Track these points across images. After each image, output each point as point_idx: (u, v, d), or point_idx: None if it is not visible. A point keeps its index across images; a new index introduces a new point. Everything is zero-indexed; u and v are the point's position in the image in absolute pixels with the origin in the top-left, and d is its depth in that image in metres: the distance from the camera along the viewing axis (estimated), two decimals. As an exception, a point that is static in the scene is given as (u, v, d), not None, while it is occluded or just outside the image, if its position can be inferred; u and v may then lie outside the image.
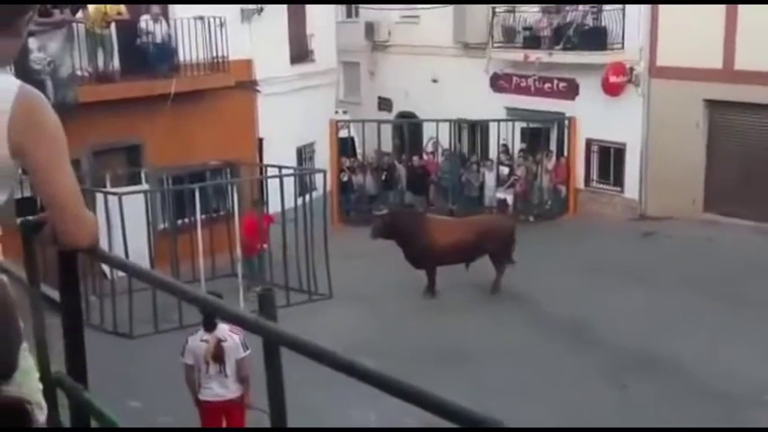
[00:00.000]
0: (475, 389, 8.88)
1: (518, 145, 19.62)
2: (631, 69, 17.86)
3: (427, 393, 1.29)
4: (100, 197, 12.56)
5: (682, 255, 15.04)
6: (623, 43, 17.90)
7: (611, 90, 18.00)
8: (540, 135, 19.59)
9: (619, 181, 18.70)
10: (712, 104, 16.99)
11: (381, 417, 8.54)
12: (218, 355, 7.18)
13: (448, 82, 20.87)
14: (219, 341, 7.19)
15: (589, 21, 18.52)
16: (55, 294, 2.63)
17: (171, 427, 7.69)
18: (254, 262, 13.90)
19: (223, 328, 7.23)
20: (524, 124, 19.63)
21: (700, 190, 17.36)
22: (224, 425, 7.42)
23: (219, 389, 7.26)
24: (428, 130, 20.31)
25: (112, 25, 14.76)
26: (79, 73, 14.07)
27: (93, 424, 2.53)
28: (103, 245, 11.45)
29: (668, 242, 16.13)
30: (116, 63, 14.89)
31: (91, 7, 14.59)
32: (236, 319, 1.69)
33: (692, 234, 16.11)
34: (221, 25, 15.72)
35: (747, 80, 15.73)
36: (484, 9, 20.04)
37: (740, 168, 16.59)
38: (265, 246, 13.82)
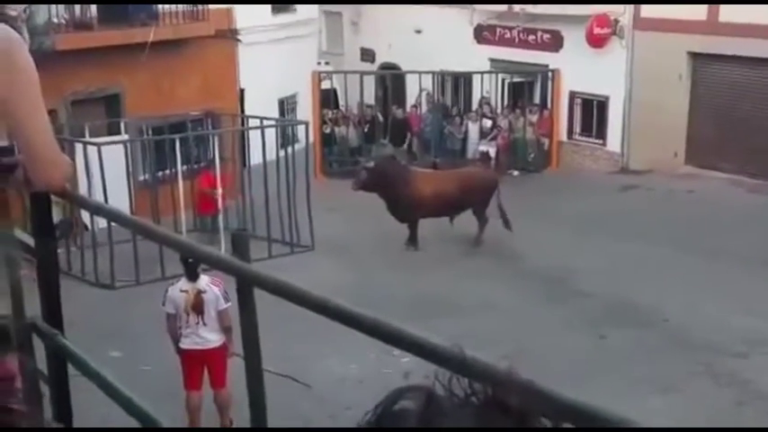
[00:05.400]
0: (457, 340, 8.94)
1: (502, 97, 19.53)
2: (616, 21, 17.75)
3: (411, 334, 1.28)
4: (79, 148, 12.43)
5: (663, 207, 15.13)
6: (608, -6, 17.77)
7: (596, 42, 17.90)
8: (524, 87, 19.50)
9: (601, 134, 18.70)
10: (696, 57, 16.95)
11: (362, 368, 8.62)
12: (197, 305, 7.23)
13: (431, 33, 20.63)
14: (199, 292, 7.23)
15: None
16: (30, 241, 2.59)
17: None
18: (207, 221, 13.73)
19: (204, 279, 7.26)
20: (508, 77, 19.51)
21: (682, 143, 17.40)
22: (204, 374, 7.49)
23: (198, 338, 7.33)
24: (411, 82, 20.16)
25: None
26: (56, 20, 13.79)
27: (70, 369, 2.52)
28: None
29: (650, 195, 16.21)
30: (93, 10, 14.61)
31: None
32: (208, 260, 1.67)
33: (673, 187, 16.19)
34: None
35: (731, 32, 15.67)
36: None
37: (722, 121, 16.62)
38: (220, 206, 13.55)
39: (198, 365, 7.44)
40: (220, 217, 13.53)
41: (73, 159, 11.04)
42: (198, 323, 7.29)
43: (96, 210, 2.85)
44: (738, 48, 15.82)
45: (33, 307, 2.53)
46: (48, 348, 2.46)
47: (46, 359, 2.58)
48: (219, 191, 13.44)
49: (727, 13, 15.87)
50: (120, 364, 8.12)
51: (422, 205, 13.35)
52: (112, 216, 2.30)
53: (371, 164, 13.80)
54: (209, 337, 7.33)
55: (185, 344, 7.37)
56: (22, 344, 2.31)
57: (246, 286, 1.53)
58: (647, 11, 17.29)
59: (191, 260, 7.00)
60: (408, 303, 10.72)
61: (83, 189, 11.88)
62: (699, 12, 16.26)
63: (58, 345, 2.42)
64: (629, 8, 17.58)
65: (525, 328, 10.16)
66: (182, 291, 7.30)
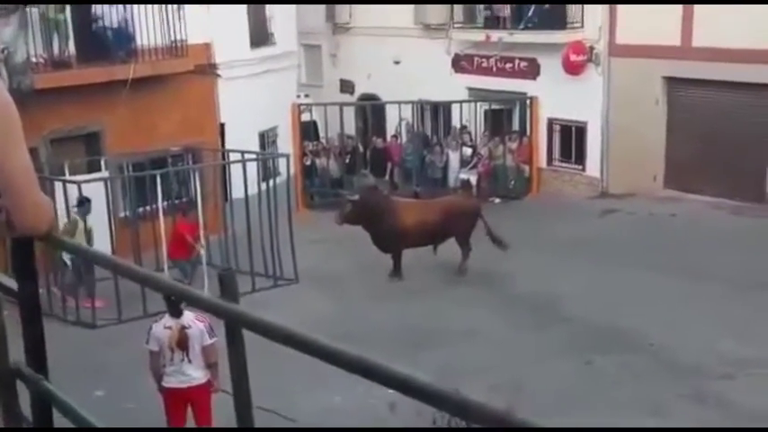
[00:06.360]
0: (444, 370, 8.91)
1: (481, 125, 19.67)
2: (591, 48, 17.97)
3: (397, 372, 1.27)
4: (59, 186, 12.37)
5: (644, 231, 15.22)
6: (583, 22, 17.99)
7: (572, 69, 18.09)
8: (503, 115, 19.65)
9: (580, 159, 18.84)
10: (671, 81, 17.16)
11: (349, 399, 8.55)
12: (181, 341, 7.16)
13: (410, 63, 20.81)
14: (183, 328, 7.16)
15: None
16: (12, 284, 2.56)
17: (135, 428, 7.64)
18: (186, 266, 13.60)
19: (188, 316, 7.21)
20: (487, 105, 19.67)
21: (660, 166, 17.56)
22: (188, 411, 7.39)
23: (183, 376, 7.24)
24: (391, 112, 20.27)
25: (67, 9, 14.47)
26: (34, 59, 13.78)
27: (55, 414, 2.49)
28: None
29: (630, 219, 16.31)
30: (72, 48, 14.61)
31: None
32: (196, 302, 1.66)
33: (653, 210, 16.31)
34: (179, 8, 15.48)
35: (705, 57, 15.91)
36: (444, -11, 19.99)
37: (699, 144, 16.81)
38: (200, 250, 13.48)
39: (182, 404, 7.35)
40: (203, 251, 13.47)
41: (53, 198, 11.02)
42: (182, 360, 7.22)
43: (77, 252, 2.82)
44: (712, 72, 16.04)
45: (17, 347, 2.50)
46: (32, 393, 2.43)
47: (30, 403, 2.54)
48: (201, 245, 13.29)
49: (701, 37, 16.12)
50: (105, 403, 8.05)
51: (405, 235, 13.34)
52: (95, 259, 2.28)
53: (356, 197, 13.71)
54: (194, 375, 7.25)
55: (169, 382, 7.28)
56: (6, 390, 2.28)
57: (235, 328, 1.53)
58: (622, 37, 17.52)
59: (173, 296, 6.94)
60: (394, 334, 10.70)
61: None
62: (673, 37, 16.50)
63: (42, 389, 2.39)
64: (604, 35, 17.81)
65: (512, 355, 10.16)
66: (165, 327, 7.23)
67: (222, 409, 7.00)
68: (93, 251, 2.54)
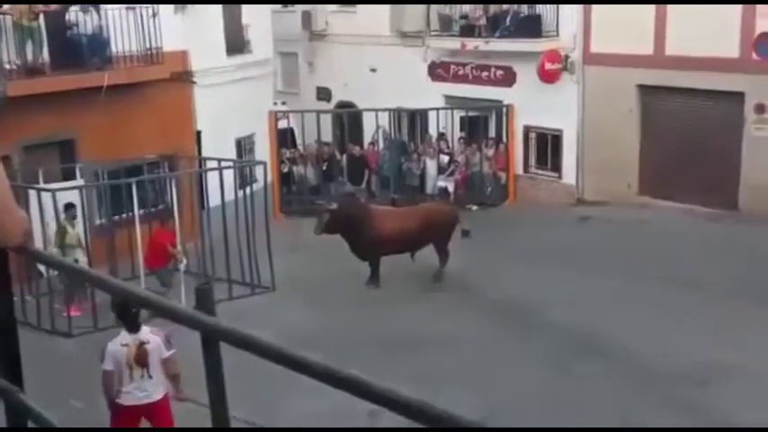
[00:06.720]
0: (421, 378, 8.92)
1: (457, 133, 19.75)
2: (566, 56, 18.12)
3: (373, 384, 1.28)
4: (33, 194, 12.26)
5: (619, 238, 15.34)
6: (558, 30, 18.14)
7: (547, 77, 18.23)
8: (479, 123, 19.75)
9: (556, 167, 18.98)
10: (645, 90, 17.35)
11: (327, 404, 8.50)
12: (140, 357, 6.94)
13: (386, 71, 20.88)
14: (142, 344, 6.95)
15: (524, 9, 18.71)
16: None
17: (111, 428, 7.55)
18: (164, 274, 13.38)
19: (144, 330, 7.01)
20: (463, 112, 19.77)
21: (634, 174, 17.73)
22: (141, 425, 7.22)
23: (142, 393, 6.99)
24: (368, 120, 20.30)
25: (41, 17, 14.37)
26: (7, 66, 13.67)
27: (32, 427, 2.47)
28: (38, 243, 11.19)
29: (606, 226, 16.43)
30: (46, 55, 14.50)
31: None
32: (171, 315, 1.65)
33: (628, 217, 16.45)
34: (154, 16, 15.43)
35: (678, 65, 16.11)
36: (420, -3, 20.09)
37: (673, 152, 16.99)
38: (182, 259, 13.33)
39: (136, 421, 7.13)
40: (184, 260, 13.37)
41: (27, 206, 10.92)
42: (143, 376, 6.98)
43: (52, 264, 2.79)
44: (685, 80, 16.25)
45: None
46: (7, 406, 2.41)
47: (5, 416, 2.52)
48: (179, 249, 13.19)
49: (674, 46, 16.32)
50: (82, 413, 7.96)
51: (383, 243, 13.34)
52: (72, 271, 2.27)
53: (334, 206, 13.57)
54: (154, 391, 7.04)
55: (128, 400, 6.98)
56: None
57: (211, 341, 1.53)
58: (597, 46, 17.70)
59: (134, 310, 6.81)
60: (372, 342, 10.69)
61: (38, 236, 11.70)
62: (646, 46, 16.69)
63: (17, 401, 2.37)
64: (579, 43, 17.98)
65: (489, 363, 10.19)
66: (123, 345, 6.97)
67: (187, 423, 6.98)
68: (69, 264, 2.53)
